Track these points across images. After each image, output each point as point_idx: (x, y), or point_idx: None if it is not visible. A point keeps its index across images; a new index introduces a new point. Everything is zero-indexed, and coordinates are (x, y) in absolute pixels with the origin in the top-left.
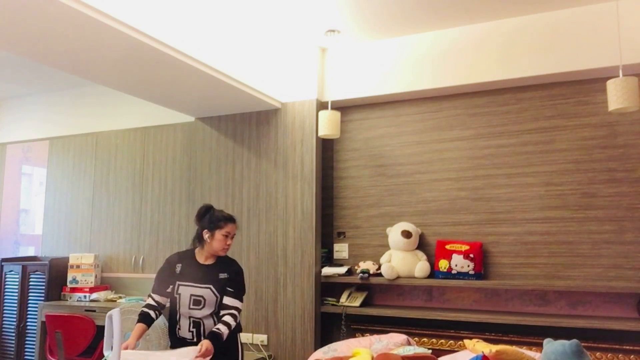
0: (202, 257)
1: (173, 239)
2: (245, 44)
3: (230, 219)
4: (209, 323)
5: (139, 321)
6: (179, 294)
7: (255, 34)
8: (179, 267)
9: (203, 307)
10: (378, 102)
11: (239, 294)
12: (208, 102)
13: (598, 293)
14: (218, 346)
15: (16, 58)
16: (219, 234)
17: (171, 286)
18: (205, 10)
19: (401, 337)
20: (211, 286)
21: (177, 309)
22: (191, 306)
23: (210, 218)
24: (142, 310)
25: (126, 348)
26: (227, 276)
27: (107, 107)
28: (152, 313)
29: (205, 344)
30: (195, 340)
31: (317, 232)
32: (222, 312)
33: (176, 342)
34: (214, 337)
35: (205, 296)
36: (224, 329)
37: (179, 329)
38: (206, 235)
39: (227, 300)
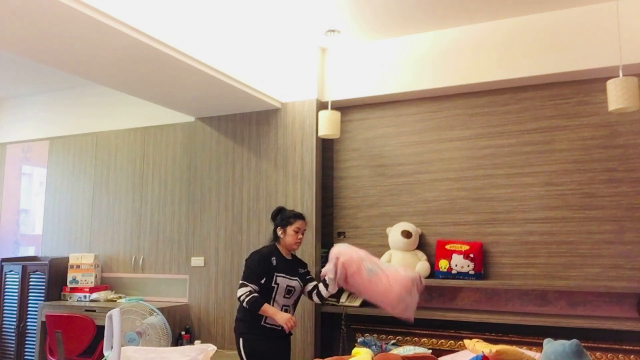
0: (284, 252)
1: (173, 239)
2: (245, 44)
3: (299, 216)
4: (291, 311)
5: (262, 303)
6: (277, 284)
7: (255, 34)
8: (274, 260)
9: (291, 296)
10: (378, 102)
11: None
12: (208, 102)
13: (598, 293)
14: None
15: (16, 58)
16: (290, 230)
17: (266, 277)
18: (205, 10)
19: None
20: (298, 279)
21: (273, 297)
22: (285, 295)
23: (282, 216)
24: (256, 296)
25: (291, 319)
26: (304, 270)
27: (107, 107)
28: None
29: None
30: (283, 327)
31: (317, 232)
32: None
33: (263, 331)
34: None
35: (295, 287)
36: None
37: (267, 318)
38: (279, 232)
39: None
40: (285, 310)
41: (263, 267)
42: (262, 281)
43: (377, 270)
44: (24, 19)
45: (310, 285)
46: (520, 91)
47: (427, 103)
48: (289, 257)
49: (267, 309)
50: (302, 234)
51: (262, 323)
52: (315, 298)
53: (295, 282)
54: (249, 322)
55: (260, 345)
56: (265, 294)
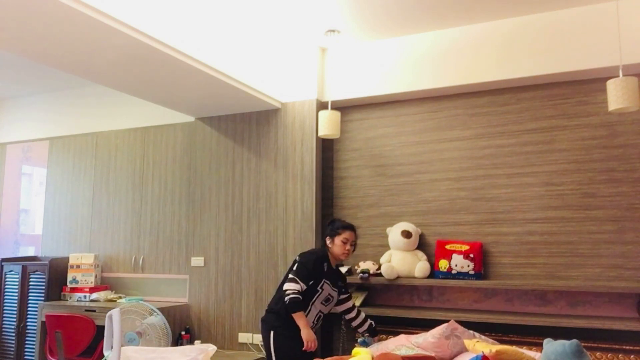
0: (332, 261)
1: (173, 239)
2: (245, 44)
3: (348, 227)
4: (321, 320)
5: (300, 309)
6: (322, 289)
7: (256, 34)
8: (325, 266)
9: (329, 304)
10: (378, 102)
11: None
12: (208, 102)
13: (598, 293)
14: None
15: (16, 58)
16: (338, 240)
17: (314, 281)
18: (205, 10)
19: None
20: (337, 290)
21: (313, 300)
22: (323, 302)
23: (332, 227)
24: (300, 298)
25: (314, 342)
26: (342, 283)
27: (107, 107)
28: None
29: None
30: (314, 331)
31: (317, 232)
32: (354, 311)
33: (298, 330)
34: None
35: (334, 297)
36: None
37: (306, 315)
38: (328, 241)
39: (349, 302)
40: (319, 317)
41: (316, 270)
42: (310, 282)
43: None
44: (24, 19)
45: (348, 305)
46: (520, 91)
47: (427, 103)
48: (334, 267)
49: (301, 317)
50: (352, 245)
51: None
52: (349, 320)
53: (335, 293)
54: (285, 318)
55: (292, 343)
56: (308, 295)
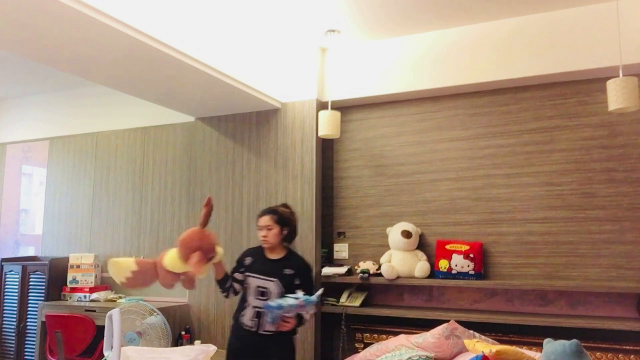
0: (268, 252)
1: (173, 239)
2: (245, 44)
3: (261, 213)
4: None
5: (220, 285)
6: (248, 284)
7: (255, 34)
8: (247, 260)
9: (267, 299)
10: (378, 102)
11: (306, 288)
12: (208, 102)
13: (598, 293)
14: (297, 326)
15: (16, 58)
16: (257, 228)
17: (241, 275)
18: (205, 10)
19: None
20: (278, 280)
21: (247, 297)
22: (258, 296)
23: None
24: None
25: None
26: (293, 272)
27: (107, 107)
28: (237, 276)
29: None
30: (255, 329)
31: (317, 232)
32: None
33: (237, 328)
34: (298, 319)
35: (270, 288)
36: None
37: (243, 315)
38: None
39: (298, 293)
40: (257, 313)
41: (238, 263)
42: (238, 277)
43: None
44: (24, 19)
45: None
46: (520, 91)
47: (427, 103)
48: (277, 257)
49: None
50: (268, 230)
51: (238, 321)
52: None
53: (270, 284)
54: (233, 322)
55: (234, 344)
56: (245, 291)
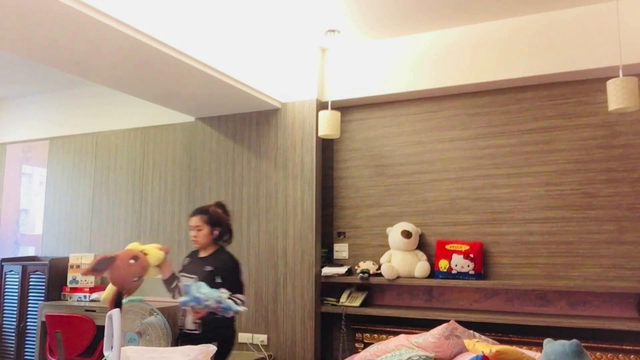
0: (201, 250)
1: (173, 239)
2: (245, 44)
3: (192, 213)
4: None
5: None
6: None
7: (256, 34)
8: (186, 260)
9: None
10: (378, 102)
11: (229, 286)
12: (208, 102)
13: (598, 293)
14: (212, 319)
15: (16, 58)
16: (189, 229)
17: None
18: (205, 10)
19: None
20: (196, 277)
21: None
22: None
23: None
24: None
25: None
26: (213, 269)
27: (107, 107)
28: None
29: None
30: (199, 332)
31: (317, 232)
32: None
33: (181, 336)
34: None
35: None
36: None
37: (183, 324)
38: None
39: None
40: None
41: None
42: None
43: None
44: (24, 19)
45: None
46: (520, 91)
47: (427, 103)
48: (203, 255)
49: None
50: (198, 230)
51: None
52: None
53: (191, 282)
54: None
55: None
56: None
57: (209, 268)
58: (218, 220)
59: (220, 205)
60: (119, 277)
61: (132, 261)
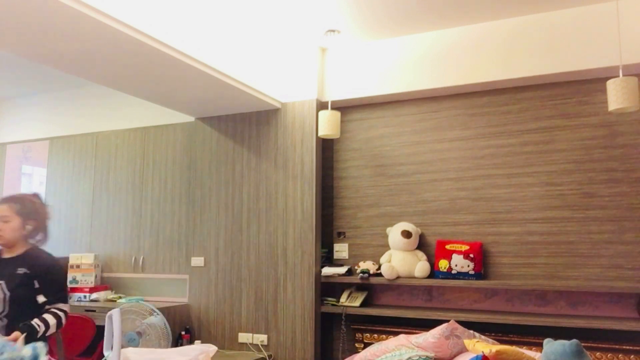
0: (5, 251)
1: (173, 238)
2: (245, 44)
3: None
4: (4, 323)
5: None
6: None
7: (255, 34)
8: None
9: None
10: (378, 102)
11: (50, 292)
12: (208, 102)
13: (598, 293)
14: (34, 340)
15: (16, 58)
16: None
17: None
18: (205, 10)
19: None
20: (3, 282)
21: None
22: None
23: None
24: None
25: None
26: (29, 271)
27: (107, 107)
28: None
29: (14, 335)
30: None
31: (317, 232)
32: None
33: None
34: (29, 329)
35: None
36: (40, 325)
37: None
38: None
39: (40, 298)
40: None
41: None
42: None
43: None
44: (24, 19)
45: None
46: (520, 91)
47: (427, 103)
48: (9, 255)
49: None
50: (5, 221)
51: None
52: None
53: None
54: None
55: None
56: None
57: (22, 270)
58: (34, 212)
59: (37, 196)
60: None
61: None
